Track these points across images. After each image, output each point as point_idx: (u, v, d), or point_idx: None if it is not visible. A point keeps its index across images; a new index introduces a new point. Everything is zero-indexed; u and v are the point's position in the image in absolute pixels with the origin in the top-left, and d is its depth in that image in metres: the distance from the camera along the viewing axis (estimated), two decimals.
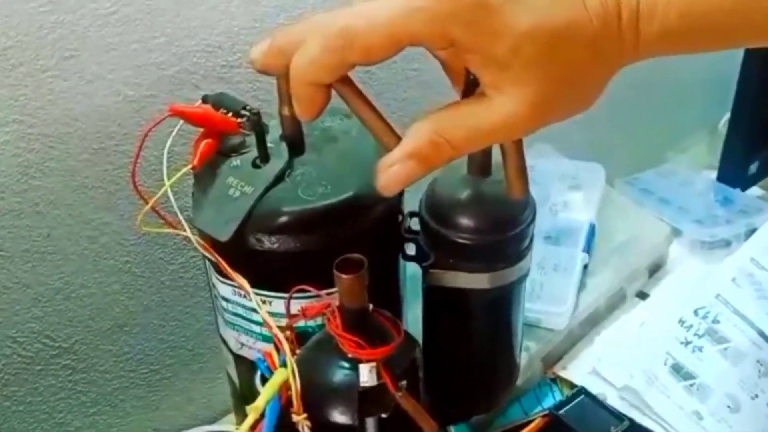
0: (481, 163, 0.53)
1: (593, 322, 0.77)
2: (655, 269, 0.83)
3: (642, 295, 0.81)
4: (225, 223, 0.48)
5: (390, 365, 0.45)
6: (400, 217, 0.56)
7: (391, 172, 0.36)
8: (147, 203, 0.51)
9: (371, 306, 0.47)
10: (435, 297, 0.57)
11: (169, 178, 0.51)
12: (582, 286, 0.75)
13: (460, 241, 0.52)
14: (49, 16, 0.53)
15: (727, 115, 0.92)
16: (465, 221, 0.52)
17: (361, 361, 0.45)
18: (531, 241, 0.55)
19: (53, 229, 0.60)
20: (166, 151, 0.51)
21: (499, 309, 0.58)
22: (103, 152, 0.60)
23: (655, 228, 0.83)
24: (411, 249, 0.56)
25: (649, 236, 0.82)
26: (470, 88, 0.39)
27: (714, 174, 0.95)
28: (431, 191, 0.54)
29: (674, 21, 0.35)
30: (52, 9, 0.53)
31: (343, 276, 0.44)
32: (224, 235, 0.48)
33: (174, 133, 0.51)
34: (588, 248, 0.77)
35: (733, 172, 0.94)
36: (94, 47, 0.56)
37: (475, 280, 0.54)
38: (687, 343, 0.72)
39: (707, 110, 1.06)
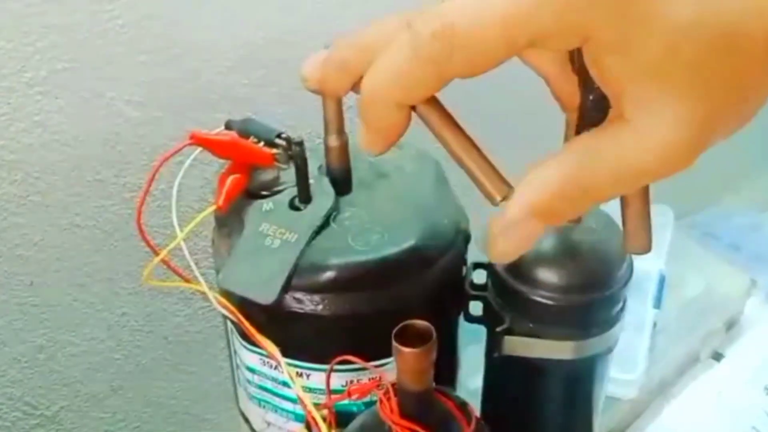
0: None
1: (662, 388, 0.70)
2: (730, 326, 0.76)
3: (717, 356, 0.75)
4: (266, 281, 0.40)
5: None
6: (464, 270, 0.47)
7: (510, 237, 0.28)
8: (156, 253, 0.41)
9: (434, 384, 0.39)
10: (502, 366, 0.48)
11: (179, 219, 0.43)
12: (651, 346, 0.68)
13: (543, 301, 0.44)
14: (39, 19, 0.47)
15: None
16: (550, 277, 0.44)
17: None
18: (625, 303, 0.46)
19: (37, 276, 0.54)
20: (175, 189, 0.44)
21: (579, 384, 0.49)
22: (99, 185, 0.54)
23: (732, 278, 0.77)
24: (474, 308, 0.48)
25: (725, 288, 0.76)
26: (590, 112, 0.31)
27: None
28: None
29: None
30: (42, 10, 0.47)
31: (406, 350, 0.36)
32: (268, 296, 0.40)
33: (187, 164, 0.45)
34: (658, 303, 0.69)
35: None
36: (92, 58, 0.50)
37: (557, 350, 0.46)
38: None
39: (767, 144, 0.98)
